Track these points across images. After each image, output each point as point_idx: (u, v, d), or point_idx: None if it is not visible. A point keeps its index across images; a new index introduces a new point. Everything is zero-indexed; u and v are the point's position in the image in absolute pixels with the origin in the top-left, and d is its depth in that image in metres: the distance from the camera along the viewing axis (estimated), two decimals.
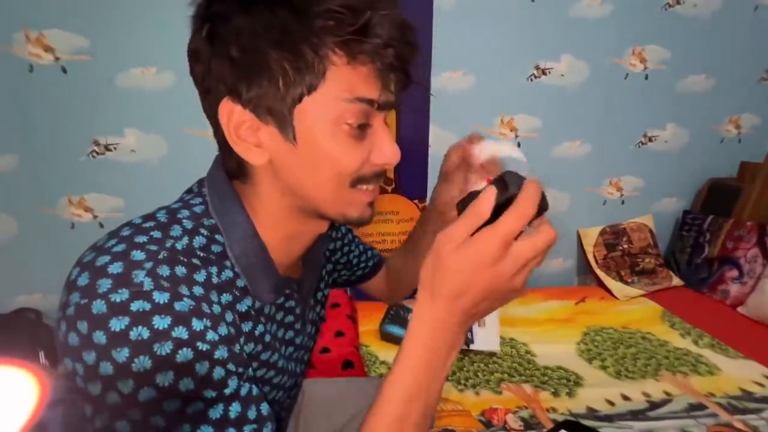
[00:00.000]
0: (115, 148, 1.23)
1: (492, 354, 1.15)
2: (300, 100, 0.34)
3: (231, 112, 0.35)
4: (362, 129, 0.35)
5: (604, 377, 1.07)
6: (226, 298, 0.36)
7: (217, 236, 0.37)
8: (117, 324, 0.30)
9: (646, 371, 1.10)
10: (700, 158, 1.58)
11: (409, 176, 1.40)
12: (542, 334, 1.25)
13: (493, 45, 1.34)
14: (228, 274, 0.37)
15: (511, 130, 1.43)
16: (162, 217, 0.36)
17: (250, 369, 0.37)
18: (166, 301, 0.31)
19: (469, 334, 1.18)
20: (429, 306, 0.33)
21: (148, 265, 0.32)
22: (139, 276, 0.31)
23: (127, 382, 0.30)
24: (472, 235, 0.32)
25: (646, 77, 1.45)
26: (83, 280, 0.31)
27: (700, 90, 1.51)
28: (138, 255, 0.32)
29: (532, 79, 1.39)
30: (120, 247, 0.32)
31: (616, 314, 1.35)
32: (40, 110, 1.17)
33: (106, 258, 0.32)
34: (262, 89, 0.34)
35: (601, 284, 1.51)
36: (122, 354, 0.30)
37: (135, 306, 0.30)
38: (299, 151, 0.35)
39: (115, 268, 0.31)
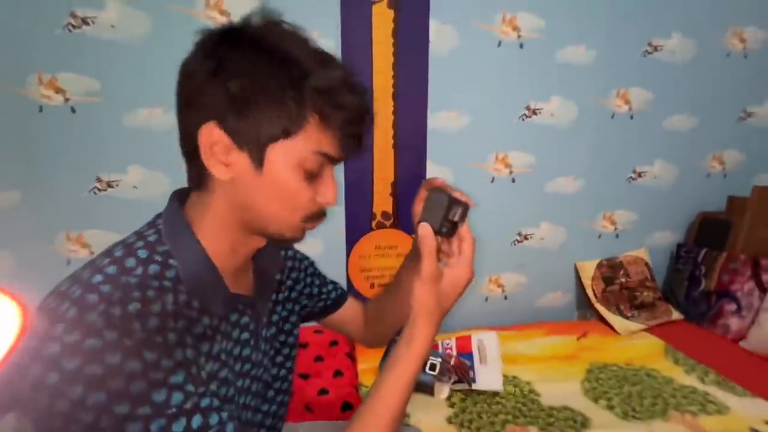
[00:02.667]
0: (117, 185, 1.24)
1: (495, 394, 1.12)
2: (276, 140, 0.40)
3: (212, 133, 0.40)
4: (314, 175, 0.43)
5: (611, 418, 1.04)
6: (182, 323, 0.39)
7: (170, 261, 0.41)
8: (69, 363, 0.33)
9: (654, 411, 1.07)
10: (690, 193, 1.62)
11: (407, 211, 1.40)
12: (546, 371, 1.23)
13: (486, 87, 1.38)
14: (183, 297, 0.40)
15: (505, 167, 1.46)
16: (118, 252, 0.40)
17: (213, 386, 0.41)
18: (116, 337, 0.34)
19: (471, 373, 1.15)
20: (406, 328, 0.45)
21: (101, 307, 0.35)
22: (92, 317, 0.34)
23: (87, 414, 0.32)
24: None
25: (632, 117, 1.51)
26: (41, 326, 0.35)
27: (684, 128, 1.57)
28: (92, 298, 0.36)
29: (524, 119, 1.44)
30: (77, 291, 0.36)
31: (619, 350, 1.33)
32: (47, 148, 1.19)
33: (65, 305, 0.36)
34: (248, 124, 0.40)
35: (602, 318, 1.49)
36: (76, 391, 0.33)
37: (87, 344, 0.33)
38: (262, 178, 0.41)
39: (71, 312, 0.35)
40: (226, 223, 0.44)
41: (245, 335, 0.48)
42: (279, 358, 0.56)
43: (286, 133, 0.40)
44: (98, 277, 0.37)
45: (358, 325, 0.69)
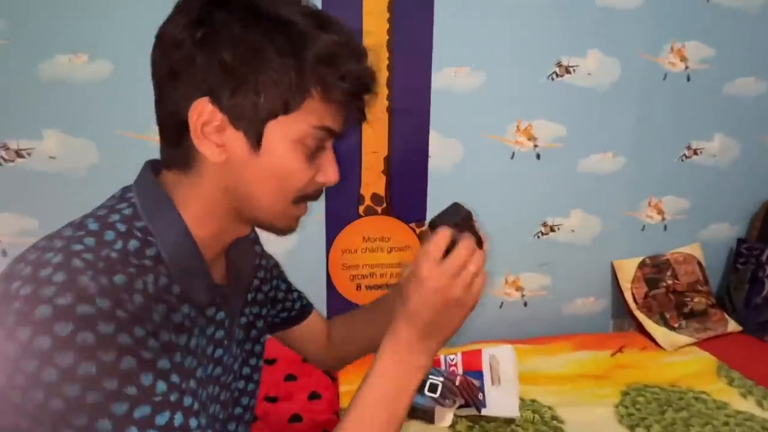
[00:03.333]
0: (29, 154, 1.18)
1: (510, 421, 1.11)
2: (275, 116, 0.43)
3: (203, 110, 0.43)
4: (315, 152, 0.46)
5: None
6: (162, 308, 0.43)
7: (149, 238, 0.44)
8: (62, 329, 0.36)
9: None
10: (755, 175, 1.60)
11: (404, 194, 1.39)
12: (572, 394, 1.23)
13: (507, 36, 1.35)
14: (163, 280, 0.44)
15: (529, 139, 1.43)
16: (92, 224, 0.43)
17: (192, 384, 0.45)
18: (109, 306, 0.37)
19: (480, 395, 1.13)
20: (392, 329, 0.47)
21: (89, 272, 0.39)
22: (84, 280, 0.38)
23: (72, 386, 0.36)
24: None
25: (688, 78, 1.48)
26: (25, 290, 0.37)
27: (752, 94, 1.54)
28: (78, 263, 0.39)
29: (553, 78, 1.40)
30: (58, 258, 0.39)
31: (661, 368, 1.33)
32: None
33: (48, 270, 0.38)
34: (244, 100, 0.42)
35: (642, 330, 1.49)
36: (66, 359, 0.35)
37: (80, 310, 0.36)
38: (259, 158, 0.44)
39: (59, 276, 0.38)
40: (213, 208, 0.47)
41: (219, 333, 0.51)
42: (246, 370, 0.60)
43: (287, 108, 0.43)
44: (78, 246, 0.40)
45: (318, 345, 0.73)
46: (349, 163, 1.35)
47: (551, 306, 1.58)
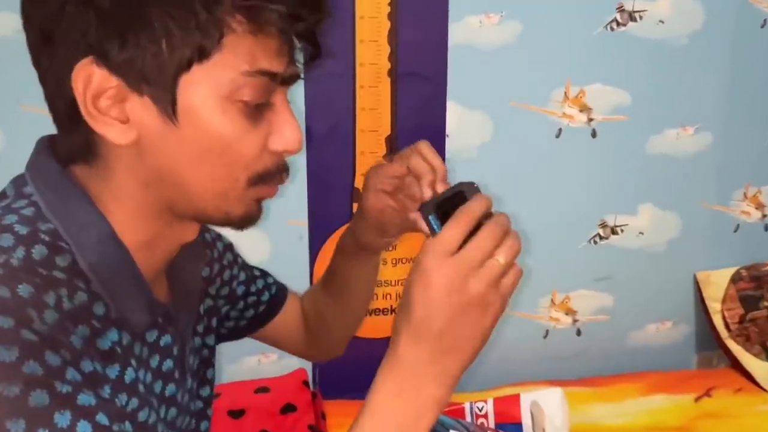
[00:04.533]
0: None
1: None
2: (188, 67, 0.42)
3: (90, 76, 0.42)
4: (259, 109, 0.45)
5: None
6: (82, 330, 0.42)
7: (61, 244, 0.44)
8: None
9: None
10: None
11: None
12: None
13: None
14: (82, 297, 0.43)
15: (581, 111, 1.45)
16: None
17: (128, 425, 0.44)
18: (12, 326, 0.37)
19: None
20: (392, 349, 0.46)
21: None
22: None
23: None
24: None
25: None
26: None
27: None
28: None
29: (613, 28, 1.42)
30: None
31: (763, 417, 1.35)
32: None
33: None
34: (139, 50, 0.41)
35: (737, 365, 1.51)
36: None
37: None
38: (180, 131, 0.44)
39: None
40: (136, 207, 0.47)
41: (167, 364, 0.52)
42: (197, 404, 0.61)
43: (200, 53, 0.42)
44: None
45: (298, 333, 0.76)
46: (339, 147, 1.37)
47: (613, 335, 1.59)
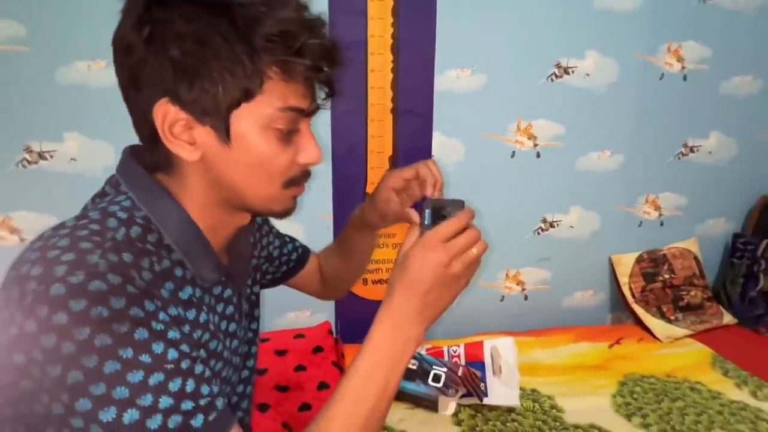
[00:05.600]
0: (51, 156, 1.22)
1: (511, 410, 1.14)
2: (238, 105, 0.43)
3: (167, 111, 0.43)
4: (290, 134, 0.46)
5: None
6: (169, 285, 0.44)
7: (151, 226, 0.45)
8: (76, 304, 0.37)
9: (697, 430, 1.08)
10: (751, 172, 1.61)
11: None
12: (571, 384, 1.25)
13: (508, 39, 1.37)
14: (166, 263, 0.44)
15: (529, 138, 1.45)
16: (94, 214, 0.44)
17: (203, 353, 0.45)
18: (120, 282, 0.38)
19: (482, 385, 1.16)
20: (388, 298, 0.47)
21: (98, 251, 0.39)
22: (93, 259, 0.39)
23: (90, 357, 0.36)
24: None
25: (685, 78, 1.49)
26: (36, 270, 0.38)
27: (747, 93, 1.55)
28: (86, 245, 0.40)
29: (552, 79, 1.42)
30: (65, 241, 0.40)
31: (658, 359, 1.35)
32: None
33: (56, 251, 0.39)
34: (202, 93, 0.42)
35: (640, 323, 1.51)
36: (83, 333, 0.36)
37: (93, 286, 0.37)
38: (232, 151, 0.44)
39: (68, 256, 0.39)
40: (206, 203, 0.48)
41: (230, 309, 0.53)
42: (249, 335, 0.62)
43: (247, 95, 0.42)
44: (83, 231, 0.41)
45: (316, 282, 0.79)
46: (355, 162, 1.37)
47: (551, 299, 1.59)
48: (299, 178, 0.48)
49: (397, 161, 1.38)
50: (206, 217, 0.48)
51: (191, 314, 0.45)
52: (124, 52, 0.43)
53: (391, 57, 1.31)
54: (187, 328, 0.44)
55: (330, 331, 1.37)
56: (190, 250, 0.46)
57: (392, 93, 1.33)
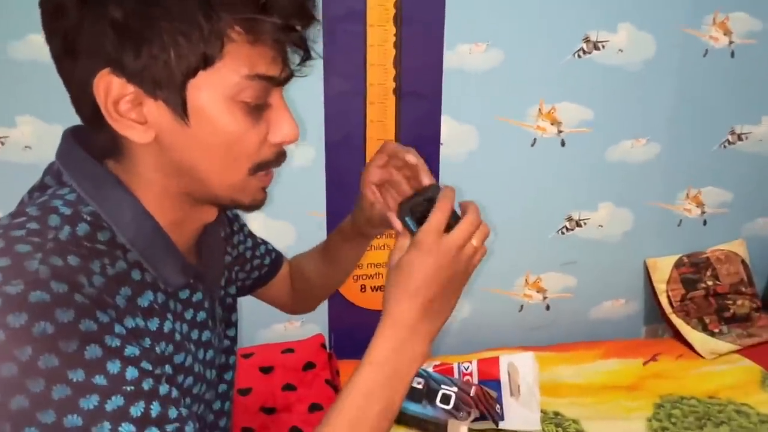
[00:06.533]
0: (2, 143, 1.21)
1: None
2: (195, 74, 0.41)
3: (109, 84, 0.41)
4: (259, 108, 0.44)
5: None
6: (125, 291, 0.42)
7: (101, 222, 0.44)
8: (15, 320, 0.35)
9: None
10: None
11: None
12: (599, 406, 1.25)
13: (529, 9, 1.35)
14: (121, 265, 0.43)
15: (552, 124, 1.45)
16: (32, 210, 0.42)
17: (168, 369, 0.45)
18: (66, 291, 0.37)
19: (498, 407, 1.16)
20: (388, 309, 0.48)
21: (38, 255, 0.38)
22: (33, 264, 0.37)
23: (36, 381, 0.35)
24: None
25: (732, 54, 1.49)
26: None
27: None
28: (23, 248, 0.38)
29: (580, 56, 1.41)
30: None
31: (699, 378, 1.35)
32: None
33: None
34: (151, 60, 0.40)
35: (679, 336, 1.51)
36: (25, 353, 0.35)
37: (34, 297, 0.36)
38: (191, 129, 0.43)
39: (2, 262, 0.37)
40: (165, 192, 0.46)
41: (201, 315, 0.52)
42: (225, 343, 0.61)
43: (205, 61, 0.41)
44: (19, 232, 0.40)
45: (286, 291, 0.79)
46: (352, 152, 1.37)
47: (576, 309, 1.60)
48: (271, 161, 0.47)
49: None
50: (167, 210, 0.47)
51: (153, 324, 0.44)
52: (53, 15, 0.41)
53: (393, 30, 1.30)
54: (148, 342, 0.43)
55: (323, 345, 1.37)
56: (149, 249, 0.45)
57: (395, 71, 1.33)
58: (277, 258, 0.77)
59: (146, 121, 0.42)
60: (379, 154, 0.60)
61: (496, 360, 1.26)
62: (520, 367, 1.24)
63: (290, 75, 0.46)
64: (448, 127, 1.39)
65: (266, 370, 1.28)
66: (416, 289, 0.47)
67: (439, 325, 0.49)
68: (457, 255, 0.47)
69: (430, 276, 0.47)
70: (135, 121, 0.42)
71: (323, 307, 1.44)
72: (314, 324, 1.47)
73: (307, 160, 1.35)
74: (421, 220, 0.49)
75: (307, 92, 1.27)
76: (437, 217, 0.48)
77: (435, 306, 0.48)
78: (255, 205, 0.49)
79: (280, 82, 0.45)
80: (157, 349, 0.44)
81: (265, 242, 0.76)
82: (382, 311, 0.48)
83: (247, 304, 1.35)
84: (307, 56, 0.46)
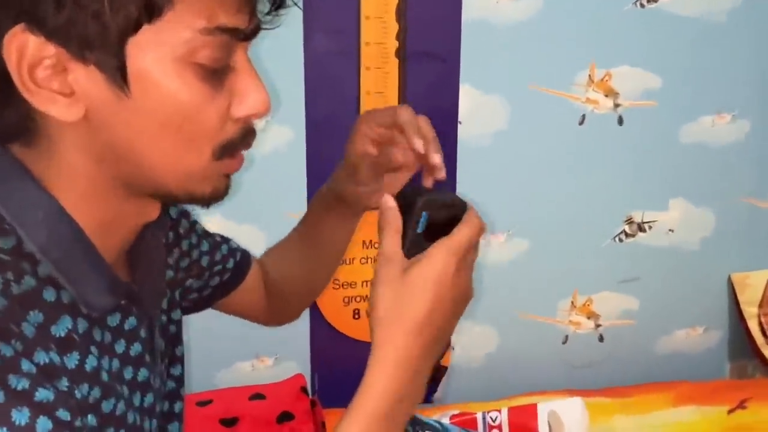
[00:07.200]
0: None
1: None
2: (136, 29, 0.41)
3: (24, 45, 0.40)
4: (219, 73, 0.45)
5: None
6: (35, 317, 0.42)
7: (4, 225, 0.44)
8: None
9: None
10: None
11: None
12: None
13: None
14: (29, 282, 0.43)
15: (607, 95, 1.44)
16: None
17: (90, 420, 0.44)
18: None
19: None
20: (383, 342, 0.50)
21: None
22: None
23: None
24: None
25: None
26: None
27: None
28: None
29: (643, 4, 1.40)
30: None
31: None
32: None
33: None
34: (78, 11, 0.40)
35: None
36: None
37: None
38: (132, 101, 0.43)
39: None
40: (92, 185, 0.47)
41: (136, 348, 0.53)
42: (170, 384, 0.63)
43: (150, 12, 0.41)
44: None
45: (259, 298, 0.81)
46: (341, 135, 1.35)
47: (639, 341, 1.59)
48: (237, 141, 0.48)
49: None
50: (93, 209, 0.47)
51: (71, 360, 0.44)
52: None
53: None
54: (65, 383, 0.42)
55: (304, 390, 1.37)
56: (66, 259, 0.45)
57: (398, 26, 1.33)
58: (243, 259, 0.78)
59: (72, 93, 0.43)
60: (384, 113, 0.64)
61: (533, 408, 1.26)
62: (564, 417, 1.24)
63: (258, 28, 0.46)
64: (468, 99, 1.39)
65: (229, 422, 1.27)
66: (429, 317, 0.49)
67: (439, 353, 0.52)
68: (469, 272, 0.52)
69: (442, 303, 0.50)
70: (57, 93, 0.42)
71: (304, 340, 1.44)
72: (292, 361, 1.46)
73: (281, 144, 1.35)
74: (434, 229, 0.52)
75: (282, 53, 1.26)
76: (465, 235, 0.51)
77: (442, 332, 0.51)
78: (216, 197, 0.50)
79: (246, 35, 0.45)
80: (78, 393, 0.44)
81: (225, 240, 0.78)
82: (373, 341, 0.50)
83: (201, 336, 1.36)
84: (279, 2, 0.47)
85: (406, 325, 0.49)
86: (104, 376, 0.47)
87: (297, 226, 0.79)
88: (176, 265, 0.68)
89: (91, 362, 0.46)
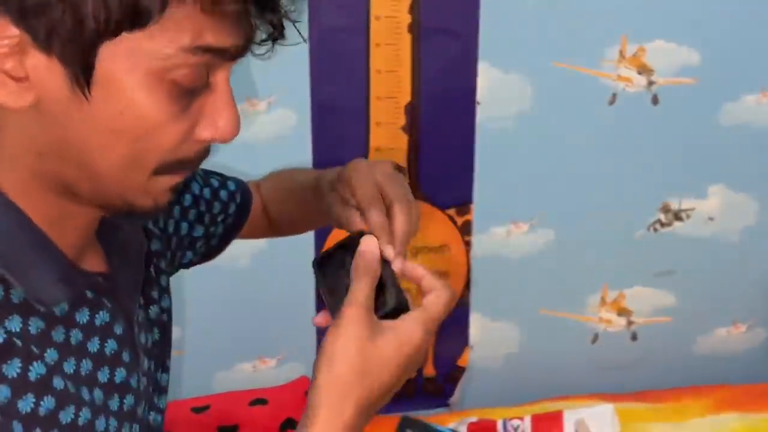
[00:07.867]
0: None
1: None
2: (114, 35, 0.41)
3: None
4: (192, 93, 0.45)
5: None
6: None
7: None
8: None
9: None
10: None
11: (437, 163, 1.40)
12: None
13: None
14: None
15: (640, 72, 1.42)
16: None
17: None
18: None
19: None
20: (334, 406, 0.50)
21: None
22: None
23: None
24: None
25: None
26: None
27: None
28: None
29: None
30: None
31: None
32: None
33: None
34: (54, 11, 0.40)
35: None
36: None
37: None
38: (90, 105, 0.43)
39: None
40: (31, 175, 0.47)
41: (111, 346, 0.52)
42: (160, 384, 0.63)
43: (135, 20, 0.40)
44: None
45: (262, 224, 0.88)
46: (350, 117, 1.36)
47: (676, 340, 1.59)
48: (189, 161, 0.48)
49: (419, 112, 1.37)
50: (39, 202, 0.47)
51: (12, 369, 0.43)
52: None
53: None
54: (31, 400, 0.42)
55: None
56: (12, 251, 0.45)
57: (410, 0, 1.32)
58: (244, 197, 0.82)
59: (26, 77, 0.42)
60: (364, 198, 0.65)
61: (559, 415, 1.27)
62: (594, 425, 1.23)
63: (246, 48, 0.46)
64: (488, 77, 1.38)
65: (228, 430, 1.27)
66: (388, 390, 0.52)
67: (358, 420, 0.52)
68: (398, 352, 0.52)
69: (356, 372, 0.50)
70: (8, 75, 0.42)
71: (309, 339, 1.43)
72: (296, 362, 1.47)
73: (284, 129, 1.35)
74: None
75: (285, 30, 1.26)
76: (444, 311, 0.55)
77: (389, 395, 0.54)
78: (157, 210, 0.50)
79: (233, 56, 0.45)
80: (41, 407, 0.44)
81: (223, 182, 0.80)
82: (322, 395, 0.50)
83: (198, 334, 1.36)
84: (277, 33, 0.47)
85: (362, 394, 0.50)
86: (58, 384, 0.46)
87: (299, 179, 0.83)
88: (167, 232, 0.71)
89: (37, 369, 0.45)
